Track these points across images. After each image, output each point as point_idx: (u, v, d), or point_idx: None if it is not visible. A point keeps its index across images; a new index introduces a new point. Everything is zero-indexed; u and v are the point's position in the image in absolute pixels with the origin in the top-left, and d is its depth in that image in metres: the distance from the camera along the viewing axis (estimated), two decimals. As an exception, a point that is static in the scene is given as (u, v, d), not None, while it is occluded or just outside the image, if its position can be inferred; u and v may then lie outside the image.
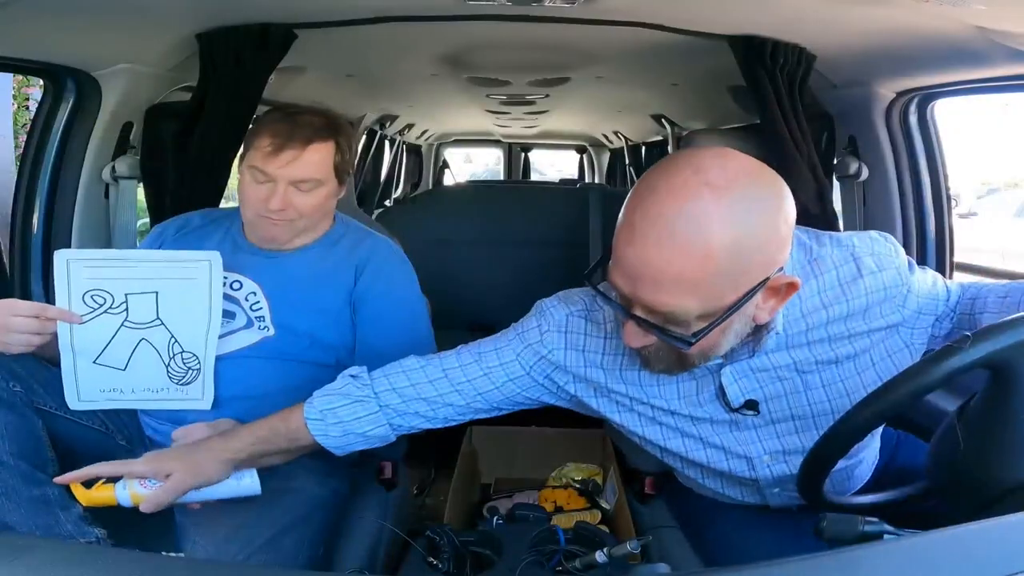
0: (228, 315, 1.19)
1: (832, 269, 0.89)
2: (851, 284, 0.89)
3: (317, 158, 1.16)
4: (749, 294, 0.75)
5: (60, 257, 1.08)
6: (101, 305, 1.09)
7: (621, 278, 0.77)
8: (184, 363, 1.14)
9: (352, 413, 0.99)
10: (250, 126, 1.24)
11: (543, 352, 0.96)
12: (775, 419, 0.95)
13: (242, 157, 1.22)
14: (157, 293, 1.11)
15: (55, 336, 1.09)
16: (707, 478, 1.08)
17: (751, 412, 0.92)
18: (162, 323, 1.12)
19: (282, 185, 1.14)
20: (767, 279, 0.76)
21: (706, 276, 0.73)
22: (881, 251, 0.92)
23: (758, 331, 0.86)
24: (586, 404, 1.00)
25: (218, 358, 1.15)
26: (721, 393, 0.92)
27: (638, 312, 0.78)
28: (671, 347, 0.80)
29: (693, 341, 0.77)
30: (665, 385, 0.94)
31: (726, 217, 0.72)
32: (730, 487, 1.09)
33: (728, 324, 0.79)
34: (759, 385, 0.91)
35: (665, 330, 0.77)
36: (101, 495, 0.97)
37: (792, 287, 0.79)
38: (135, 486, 0.96)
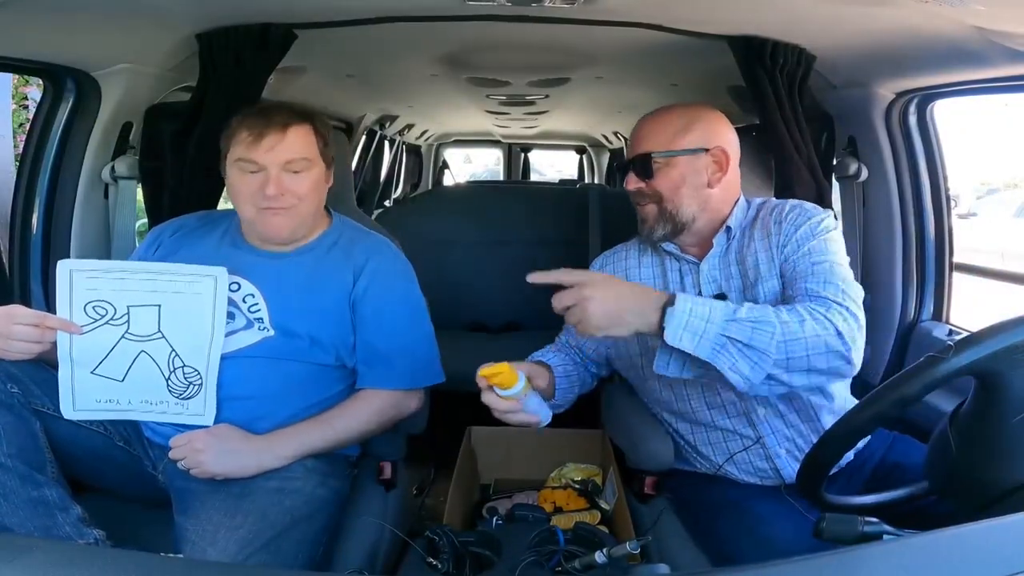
0: (228, 315, 1.18)
1: (768, 209, 1.22)
2: (771, 213, 1.19)
3: (300, 139, 1.18)
4: (694, 150, 1.18)
5: (63, 267, 1.08)
6: (102, 316, 1.09)
7: (629, 149, 1.25)
8: (185, 377, 1.13)
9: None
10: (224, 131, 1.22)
11: None
12: None
13: (222, 160, 1.22)
14: (160, 306, 1.11)
15: (55, 344, 1.09)
16: (696, 401, 1.21)
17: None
18: (163, 336, 1.12)
19: (274, 171, 1.15)
20: (709, 149, 1.19)
21: (665, 129, 1.20)
22: (803, 205, 1.19)
23: (720, 226, 1.22)
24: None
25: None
26: (699, 292, 1.21)
27: (632, 158, 1.22)
28: (658, 205, 1.20)
29: (654, 156, 1.18)
30: (659, 279, 1.27)
31: (681, 108, 1.23)
32: (717, 406, 1.20)
33: (683, 171, 1.18)
34: (724, 288, 1.20)
35: (644, 161, 1.19)
36: (505, 377, 1.04)
37: (726, 155, 1.19)
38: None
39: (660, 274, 1.27)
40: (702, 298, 0.99)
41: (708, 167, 1.19)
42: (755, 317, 0.97)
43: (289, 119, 1.17)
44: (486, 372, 1.04)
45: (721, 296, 1.18)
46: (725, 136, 1.21)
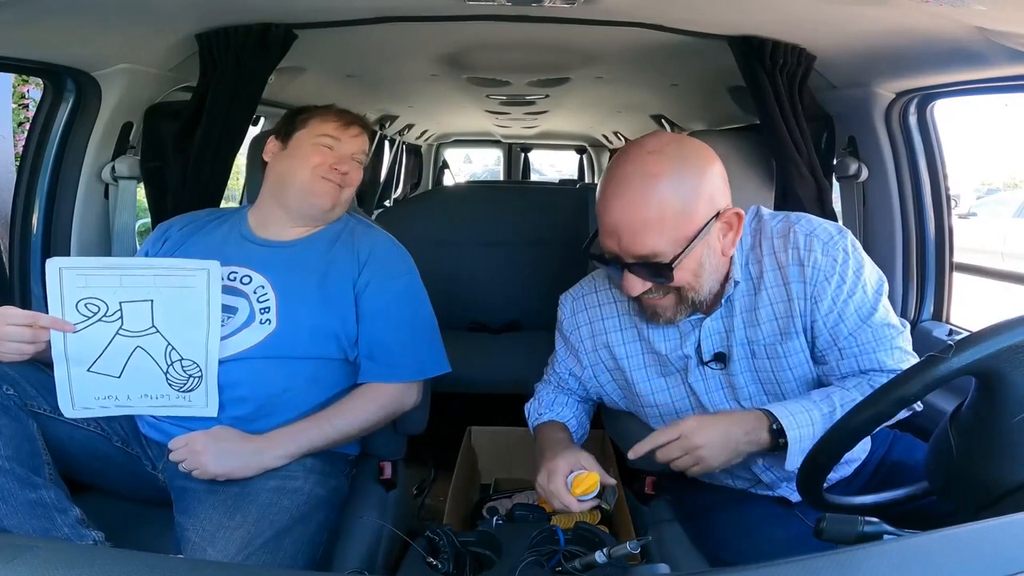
0: (230, 310, 1.19)
1: (770, 239, 1.06)
2: (783, 250, 1.04)
3: (367, 142, 1.35)
4: (706, 226, 0.98)
5: (52, 266, 1.08)
6: (95, 313, 1.09)
7: (608, 239, 1.00)
8: (184, 370, 1.13)
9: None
10: (301, 114, 1.33)
11: (568, 332, 1.22)
12: (735, 379, 1.10)
13: (284, 136, 1.31)
14: (152, 301, 1.11)
15: (49, 343, 1.08)
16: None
17: (720, 364, 1.09)
18: (157, 331, 1.12)
19: (347, 152, 1.31)
20: (717, 214, 0.99)
21: (665, 216, 0.96)
22: (820, 238, 1.03)
23: (726, 281, 1.06)
24: (601, 383, 1.21)
25: (221, 361, 1.15)
26: (698, 348, 1.10)
27: (629, 261, 0.99)
28: (677, 295, 1.02)
29: (674, 266, 0.97)
30: (655, 330, 1.12)
31: (666, 170, 0.96)
32: None
33: (699, 255, 1.00)
34: (726, 343, 1.09)
35: (653, 266, 0.98)
36: (590, 486, 1.03)
37: (739, 216, 1.01)
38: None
39: (648, 349, 1.14)
40: (796, 407, 0.99)
41: (720, 232, 1.01)
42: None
43: (366, 126, 1.36)
44: (583, 487, 1.03)
45: (720, 356, 1.09)
46: (723, 179, 1.02)
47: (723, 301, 1.07)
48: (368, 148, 1.35)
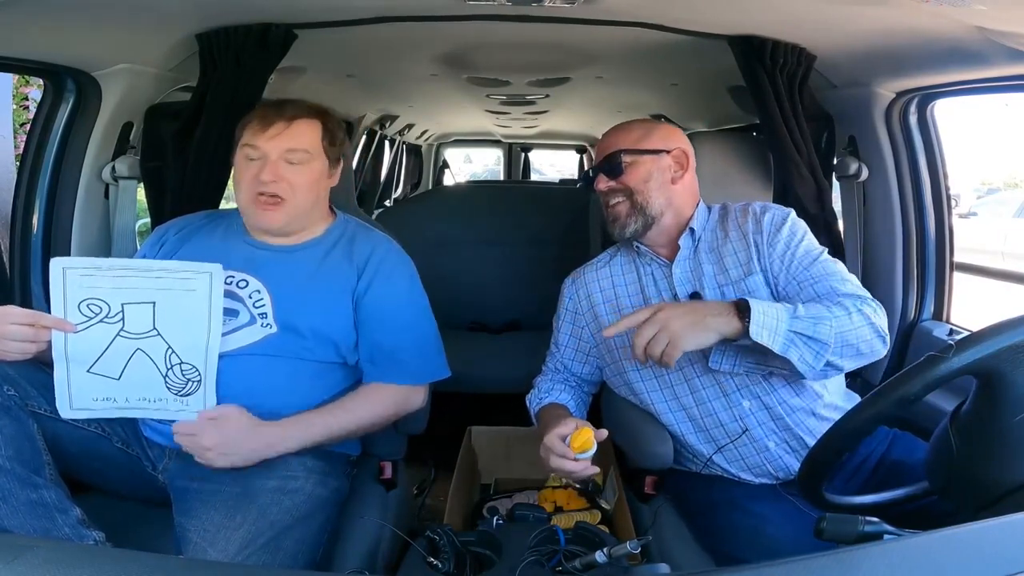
0: (231, 313, 1.19)
1: (734, 215, 1.30)
2: (742, 214, 1.29)
3: (304, 131, 1.21)
4: (658, 151, 1.29)
5: (56, 265, 1.07)
6: (97, 314, 1.09)
7: (596, 157, 1.35)
8: (183, 374, 1.13)
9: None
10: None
11: (572, 309, 1.41)
12: None
13: (234, 151, 1.26)
14: (154, 303, 1.10)
15: (51, 343, 1.08)
16: (685, 399, 1.25)
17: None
18: (158, 334, 1.11)
19: (273, 157, 1.19)
20: (670, 151, 1.30)
21: (632, 132, 1.32)
22: (772, 207, 1.28)
23: (684, 229, 1.30)
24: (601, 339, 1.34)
25: (220, 356, 1.15)
26: (674, 294, 1.28)
27: (600, 164, 1.31)
28: (630, 200, 1.28)
29: (625, 160, 1.28)
30: (634, 283, 1.34)
31: (641, 122, 1.37)
32: (703, 401, 1.23)
33: (648, 168, 1.28)
34: (697, 287, 1.27)
35: (612, 162, 1.29)
36: (587, 440, 1.08)
37: (686, 155, 1.31)
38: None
39: (635, 280, 1.34)
40: (763, 301, 1.10)
41: (670, 166, 1.30)
42: (813, 314, 1.09)
43: (298, 112, 1.21)
44: (579, 442, 1.07)
45: (696, 295, 1.26)
46: (682, 142, 1.33)
47: (680, 244, 1.29)
48: (312, 137, 1.21)
